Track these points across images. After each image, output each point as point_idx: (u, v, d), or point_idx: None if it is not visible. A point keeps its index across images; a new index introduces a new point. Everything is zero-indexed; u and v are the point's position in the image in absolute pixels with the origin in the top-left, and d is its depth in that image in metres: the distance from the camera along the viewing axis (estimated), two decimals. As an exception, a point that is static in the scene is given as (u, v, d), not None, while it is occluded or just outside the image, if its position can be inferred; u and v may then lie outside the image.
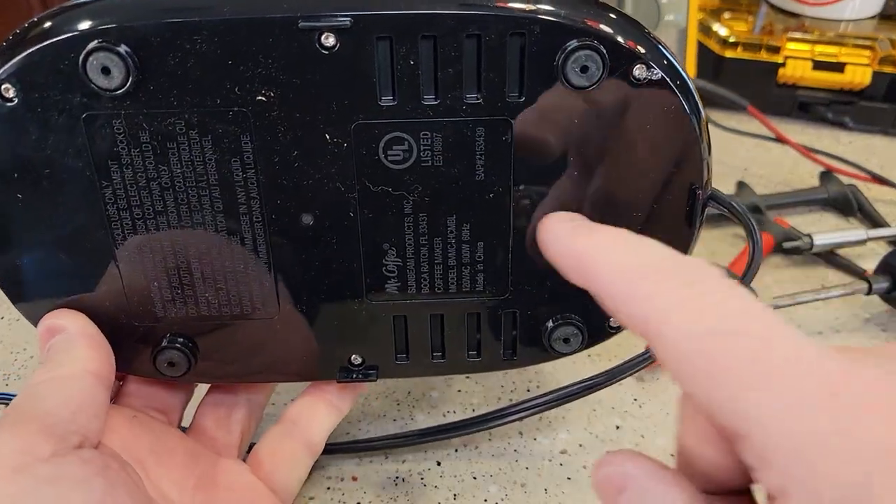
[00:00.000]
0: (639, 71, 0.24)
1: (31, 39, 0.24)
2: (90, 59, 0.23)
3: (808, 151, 0.51)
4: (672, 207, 0.27)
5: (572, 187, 0.26)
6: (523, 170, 0.26)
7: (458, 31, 0.24)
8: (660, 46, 0.25)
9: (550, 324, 0.29)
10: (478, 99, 0.25)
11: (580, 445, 0.34)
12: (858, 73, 0.58)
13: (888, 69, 0.58)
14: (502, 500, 0.32)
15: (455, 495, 0.32)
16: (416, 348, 0.30)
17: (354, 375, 0.30)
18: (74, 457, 0.22)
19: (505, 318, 0.29)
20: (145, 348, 0.29)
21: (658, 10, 0.51)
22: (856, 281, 0.41)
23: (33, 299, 0.27)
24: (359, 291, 0.28)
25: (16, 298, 0.27)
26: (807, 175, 0.54)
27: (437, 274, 0.28)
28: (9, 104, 0.24)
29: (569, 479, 0.33)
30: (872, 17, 0.64)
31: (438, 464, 0.33)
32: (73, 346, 0.26)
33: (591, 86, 0.25)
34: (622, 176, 0.26)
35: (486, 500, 0.32)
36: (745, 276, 0.29)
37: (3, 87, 0.24)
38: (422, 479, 0.33)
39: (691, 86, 0.25)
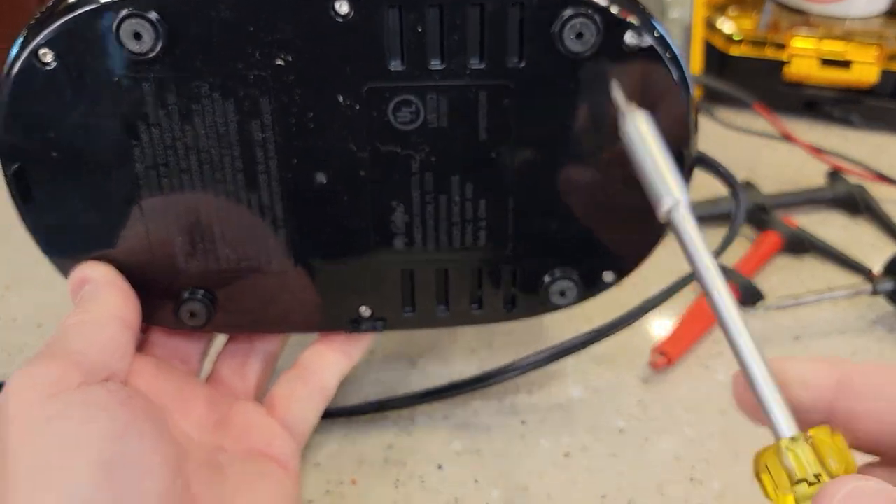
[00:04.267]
0: (630, 38, 0.26)
1: (66, 8, 0.25)
2: (123, 24, 0.25)
3: (815, 150, 0.50)
4: None
5: (568, 148, 0.28)
6: (523, 132, 0.28)
7: (462, 0, 0.26)
8: (651, 19, 0.27)
9: (548, 278, 0.31)
10: (480, 64, 0.27)
11: (583, 448, 0.34)
12: (865, 71, 0.57)
13: (896, 67, 0.57)
14: (505, 503, 0.32)
15: (456, 499, 0.32)
16: (422, 301, 0.32)
17: (363, 326, 0.32)
18: (101, 387, 0.24)
19: (505, 272, 0.31)
20: (168, 300, 0.30)
21: (662, 7, 0.51)
22: (860, 282, 0.40)
23: (65, 253, 0.29)
24: (368, 246, 0.30)
25: (49, 252, 0.29)
26: (814, 174, 0.54)
27: (442, 230, 0.30)
28: (46, 68, 0.26)
29: (572, 482, 0.33)
30: (879, 15, 0.64)
31: (440, 467, 0.33)
32: (101, 293, 0.28)
33: (585, 51, 0.27)
34: (613, 136, 0.27)
35: (487, 504, 0.32)
36: (729, 233, 0.31)
37: (41, 52, 0.26)
38: (423, 482, 0.33)
39: (679, 55, 0.27)
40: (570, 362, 0.38)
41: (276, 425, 0.31)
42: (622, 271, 0.31)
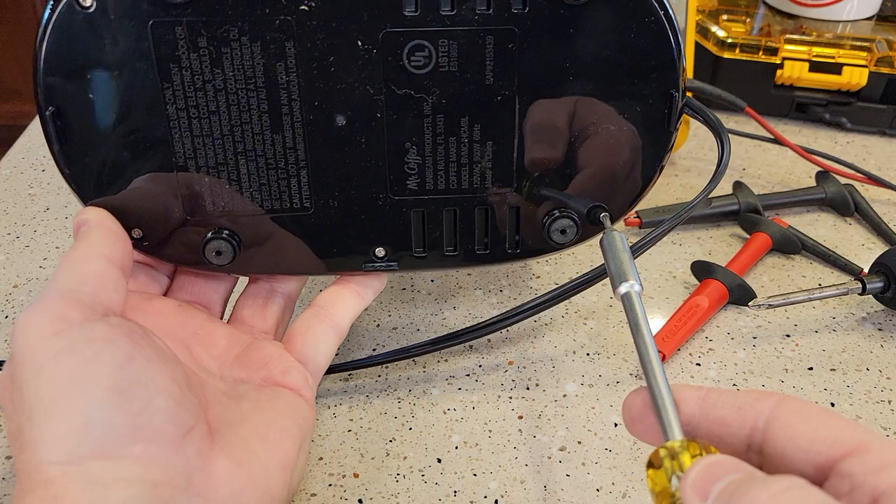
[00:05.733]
0: None
1: None
2: None
3: (805, 152, 0.51)
4: (653, 111, 0.31)
5: (568, 90, 0.31)
6: (527, 74, 0.30)
7: None
8: None
9: (548, 218, 0.33)
10: (487, 10, 0.29)
11: (579, 443, 0.35)
12: (855, 74, 0.58)
13: (885, 70, 0.58)
14: (502, 496, 0.32)
15: (455, 492, 0.33)
16: (433, 242, 0.34)
17: (378, 267, 0.34)
18: (102, 322, 0.26)
19: (510, 212, 0.33)
20: (195, 239, 0.32)
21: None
22: (850, 281, 0.41)
23: (99, 193, 0.31)
24: (383, 187, 0.32)
25: (83, 192, 0.31)
26: (804, 175, 0.55)
27: (452, 171, 0.32)
28: (86, 11, 0.27)
29: (567, 476, 0.33)
30: (869, 19, 0.65)
31: (439, 460, 0.34)
32: (90, 234, 0.29)
33: None
34: (610, 80, 0.30)
35: (485, 497, 0.32)
36: (714, 178, 0.34)
37: None
38: (422, 475, 0.33)
39: (669, 5, 0.30)
40: (565, 359, 0.39)
41: (291, 359, 0.32)
42: (616, 213, 0.33)
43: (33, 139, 0.59)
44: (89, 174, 0.30)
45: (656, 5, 0.29)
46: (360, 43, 0.29)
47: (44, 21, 0.28)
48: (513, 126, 0.31)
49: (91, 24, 0.28)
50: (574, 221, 0.33)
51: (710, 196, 0.48)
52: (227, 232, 0.32)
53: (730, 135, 0.54)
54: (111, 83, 0.29)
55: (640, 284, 0.26)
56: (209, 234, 0.32)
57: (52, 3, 0.28)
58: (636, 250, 0.35)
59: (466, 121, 0.31)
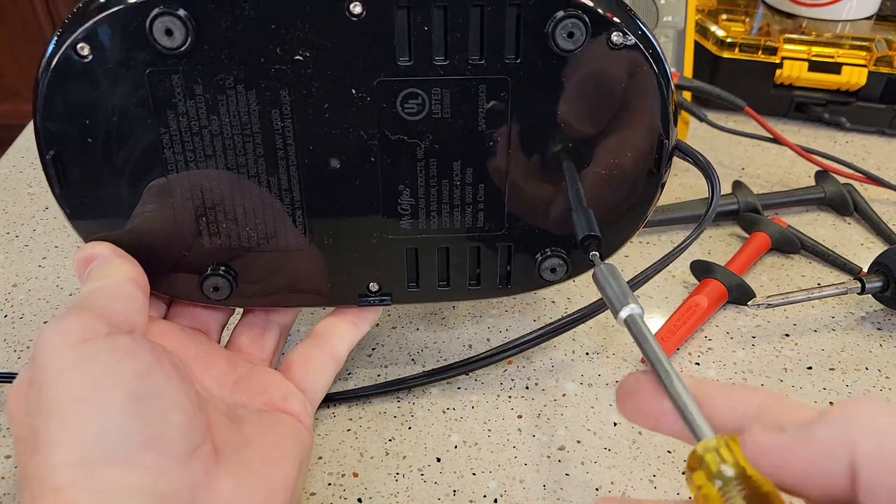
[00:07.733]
0: (616, 37, 0.29)
1: (102, 5, 0.27)
2: (156, 22, 0.27)
3: (804, 151, 0.51)
4: (643, 155, 0.31)
5: (559, 137, 0.31)
6: (518, 122, 0.30)
7: (465, 1, 0.28)
8: (636, 19, 0.29)
9: (540, 256, 0.34)
10: (480, 60, 0.29)
11: (578, 442, 0.35)
12: (855, 74, 0.58)
13: (884, 69, 0.58)
14: (501, 495, 0.32)
15: (454, 491, 0.33)
16: (425, 278, 0.34)
17: (372, 301, 0.35)
18: (126, 337, 0.27)
19: (501, 250, 0.34)
20: (193, 275, 0.33)
21: (656, 12, 0.52)
22: (849, 280, 0.41)
23: (99, 231, 0.31)
24: (377, 227, 0.33)
25: (84, 232, 0.31)
26: (803, 175, 0.55)
27: (444, 212, 0.32)
28: (84, 61, 0.28)
29: (567, 475, 0.33)
30: (869, 18, 0.65)
31: (438, 460, 0.34)
32: (111, 262, 0.30)
33: (576, 49, 0.29)
34: (601, 126, 0.31)
35: (484, 496, 0.32)
36: (704, 218, 0.34)
37: (79, 46, 0.27)
38: (422, 474, 0.33)
39: (660, 51, 0.30)
40: (564, 358, 0.39)
41: (291, 386, 0.33)
42: (606, 252, 0.34)
43: (32, 139, 0.59)
44: (90, 214, 0.31)
45: (648, 55, 0.29)
46: (354, 91, 0.29)
47: (42, 69, 0.28)
48: (504, 170, 0.31)
49: (89, 73, 0.28)
50: (564, 260, 0.34)
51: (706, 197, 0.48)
52: (223, 268, 0.33)
53: (729, 134, 0.55)
54: (109, 129, 0.29)
55: (640, 307, 0.26)
56: (206, 271, 0.33)
57: (50, 51, 0.28)
58: (633, 285, 0.35)
59: (459, 165, 0.31)
